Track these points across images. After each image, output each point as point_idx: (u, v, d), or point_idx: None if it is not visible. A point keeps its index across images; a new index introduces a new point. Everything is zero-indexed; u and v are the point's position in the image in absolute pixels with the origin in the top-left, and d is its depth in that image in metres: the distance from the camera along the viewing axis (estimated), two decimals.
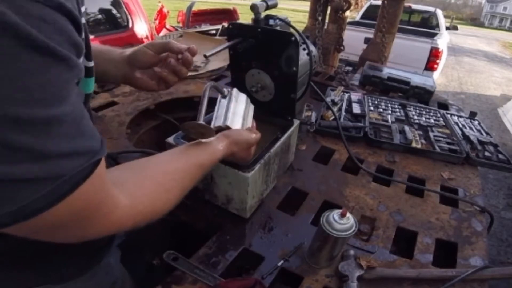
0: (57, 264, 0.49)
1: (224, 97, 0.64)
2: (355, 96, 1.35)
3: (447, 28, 5.64)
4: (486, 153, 1.06)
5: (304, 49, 0.79)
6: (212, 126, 0.58)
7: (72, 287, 0.53)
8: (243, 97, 0.67)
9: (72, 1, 0.28)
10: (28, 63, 0.24)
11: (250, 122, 0.64)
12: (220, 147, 0.53)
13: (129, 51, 0.63)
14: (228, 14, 5.37)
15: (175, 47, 0.61)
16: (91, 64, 0.40)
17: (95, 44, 0.60)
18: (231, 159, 0.59)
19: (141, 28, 2.79)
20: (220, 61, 1.48)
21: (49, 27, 0.25)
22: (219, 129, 0.57)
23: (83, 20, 0.33)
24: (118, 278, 0.63)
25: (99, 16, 2.64)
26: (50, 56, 0.25)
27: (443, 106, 1.51)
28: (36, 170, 0.26)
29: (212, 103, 0.57)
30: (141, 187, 0.40)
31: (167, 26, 4.98)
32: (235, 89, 0.67)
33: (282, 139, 0.75)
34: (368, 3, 5.29)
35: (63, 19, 0.26)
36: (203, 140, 0.52)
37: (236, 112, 0.62)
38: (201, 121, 0.51)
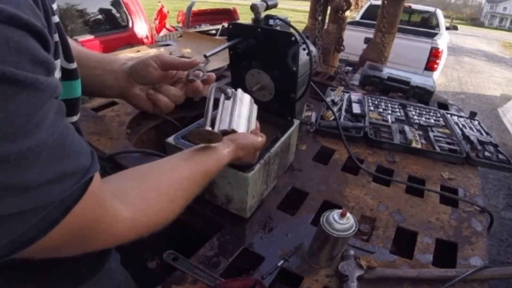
0: (59, 272, 0.47)
1: (228, 98, 0.62)
2: (355, 96, 1.35)
3: (447, 28, 5.65)
4: (486, 153, 1.06)
5: (304, 49, 0.79)
6: (216, 129, 0.57)
7: None
8: (247, 98, 0.65)
9: (35, 10, 0.24)
10: None
11: (254, 124, 0.63)
12: (226, 152, 0.52)
13: (131, 62, 0.55)
14: (228, 14, 5.36)
15: (187, 65, 0.55)
16: (73, 66, 0.36)
17: (97, 52, 0.56)
18: (236, 163, 0.58)
19: (141, 28, 2.80)
20: (220, 61, 1.49)
21: (4, 48, 0.21)
22: (225, 133, 0.56)
23: (56, 19, 0.30)
24: (122, 282, 0.62)
25: (99, 16, 2.64)
26: (10, 84, 0.21)
27: (443, 106, 1.51)
28: (19, 204, 0.24)
29: (215, 103, 0.57)
30: (144, 198, 0.39)
31: (167, 26, 4.98)
32: (239, 90, 0.65)
33: (282, 139, 0.75)
34: (368, 3, 5.29)
35: (22, 35, 0.22)
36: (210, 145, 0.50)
37: (241, 114, 0.60)
38: (208, 126, 0.50)
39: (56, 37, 0.29)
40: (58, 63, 0.29)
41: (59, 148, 0.25)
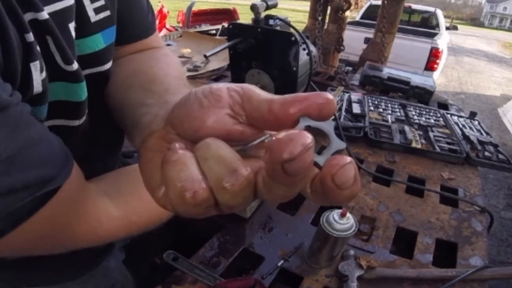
0: (51, 265, 0.47)
1: None
2: (355, 96, 1.35)
3: (447, 28, 5.66)
4: (486, 153, 1.06)
5: (304, 49, 0.79)
6: None
7: None
8: None
9: None
10: None
11: None
12: None
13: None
14: (228, 14, 5.37)
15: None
16: (70, 68, 0.32)
17: (162, 75, 0.38)
18: None
19: None
20: (220, 61, 1.49)
21: None
22: None
23: (42, 16, 0.28)
24: (118, 281, 0.62)
25: None
26: None
27: (443, 106, 1.51)
28: None
29: None
30: (138, 196, 0.38)
31: (167, 26, 4.98)
32: None
33: None
34: (368, 3, 5.29)
35: None
36: None
37: None
38: None
39: (30, 37, 0.26)
40: (37, 64, 0.27)
41: (6, 164, 0.24)
